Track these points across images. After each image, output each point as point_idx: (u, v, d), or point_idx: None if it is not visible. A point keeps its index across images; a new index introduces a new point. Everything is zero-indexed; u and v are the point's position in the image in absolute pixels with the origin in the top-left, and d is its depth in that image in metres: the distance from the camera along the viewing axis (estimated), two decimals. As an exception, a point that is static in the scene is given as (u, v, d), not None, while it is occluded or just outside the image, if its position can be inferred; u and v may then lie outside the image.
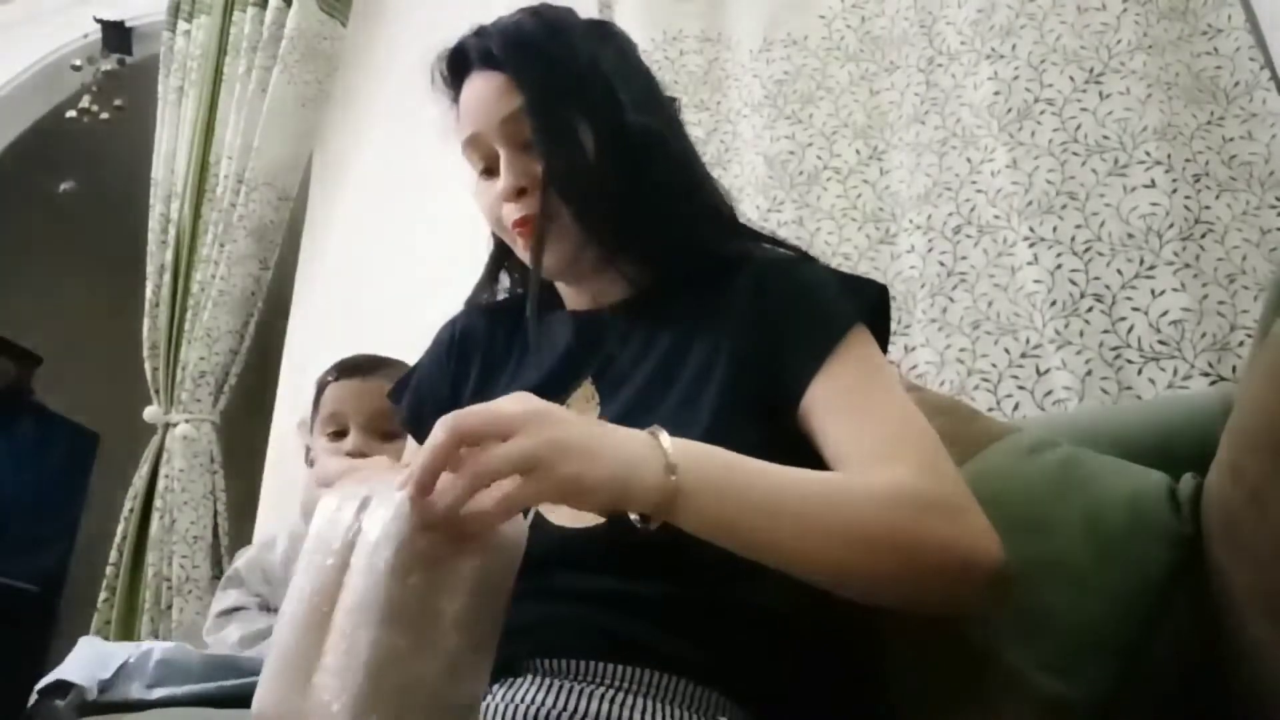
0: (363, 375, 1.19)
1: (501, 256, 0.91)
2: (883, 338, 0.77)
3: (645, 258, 0.80)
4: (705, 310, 0.78)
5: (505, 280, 0.92)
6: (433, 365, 0.91)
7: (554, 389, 0.79)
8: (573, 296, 0.87)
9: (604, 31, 0.84)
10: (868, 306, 0.74)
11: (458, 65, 0.82)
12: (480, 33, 0.81)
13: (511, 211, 0.78)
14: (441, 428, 0.51)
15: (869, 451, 0.66)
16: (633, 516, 0.58)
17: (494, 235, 0.88)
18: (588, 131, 0.76)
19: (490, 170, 0.80)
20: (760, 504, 0.59)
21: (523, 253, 0.80)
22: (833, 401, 0.69)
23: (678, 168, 0.81)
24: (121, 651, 1.09)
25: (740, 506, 0.59)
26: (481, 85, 0.79)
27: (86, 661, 1.08)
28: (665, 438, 0.58)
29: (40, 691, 1.08)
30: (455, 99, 0.82)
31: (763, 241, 0.84)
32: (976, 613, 0.65)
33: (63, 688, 1.06)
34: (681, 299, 0.80)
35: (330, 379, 1.21)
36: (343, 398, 1.18)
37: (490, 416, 0.53)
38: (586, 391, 0.78)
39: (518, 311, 0.87)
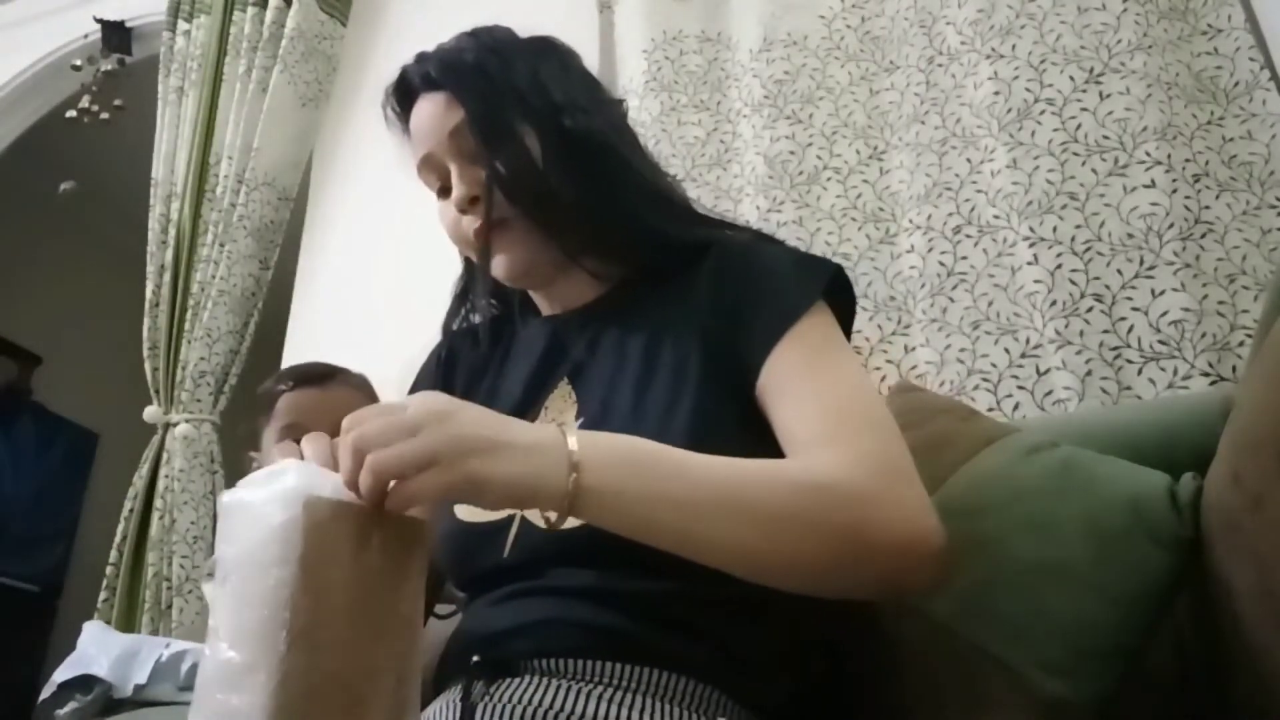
0: (320, 385, 1.15)
1: (470, 279, 0.92)
2: (846, 317, 0.77)
3: (605, 254, 0.81)
4: (673, 302, 0.78)
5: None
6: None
7: (531, 392, 0.81)
8: (546, 303, 0.88)
9: (543, 45, 0.86)
10: (823, 286, 0.74)
11: (404, 96, 0.84)
12: (420, 58, 0.83)
13: (470, 222, 0.79)
14: (344, 448, 0.51)
15: (811, 434, 0.66)
16: (540, 516, 0.58)
17: (464, 259, 0.89)
18: (532, 136, 0.78)
19: (446, 189, 0.81)
20: (666, 496, 0.58)
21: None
22: (781, 383, 0.69)
23: (624, 165, 0.82)
24: (147, 649, 1.06)
25: (645, 501, 0.58)
26: (426, 106, 0.80)
27: (111, 655, 1.05)
28: (572, 437, 0.57)
29: (61, 684, 1.06)
30: (407, 129, 0.83)
31: (722, 228, 0.84)
32: (922, 594, 0.64)
33: (84, 681, 1.04)
34: (650, 293, 0.80)
35: (285, 388, 1.15)
36: (303, 408, 1.12)
37: (388, 423, 0.52)
38: (563, 392, 0.79)
39: (498, 325, 0.90)
